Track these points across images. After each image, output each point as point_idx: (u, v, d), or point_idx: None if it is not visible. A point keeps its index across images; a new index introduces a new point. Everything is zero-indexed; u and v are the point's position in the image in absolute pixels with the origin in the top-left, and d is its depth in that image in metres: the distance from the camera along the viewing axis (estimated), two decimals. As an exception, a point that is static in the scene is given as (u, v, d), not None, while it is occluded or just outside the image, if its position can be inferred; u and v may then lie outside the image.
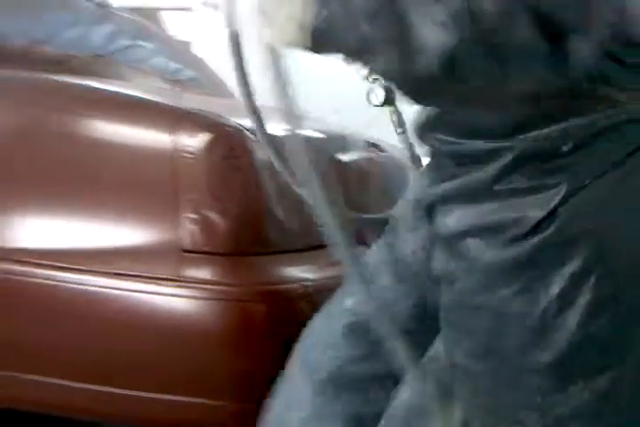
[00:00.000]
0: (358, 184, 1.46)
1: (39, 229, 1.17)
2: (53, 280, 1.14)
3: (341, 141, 1.57)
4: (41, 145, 1.21)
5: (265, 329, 1.11)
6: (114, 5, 2.06)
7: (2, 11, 1.59)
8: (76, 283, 1.13)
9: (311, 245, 1.23)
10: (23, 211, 1.19)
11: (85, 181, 1.18)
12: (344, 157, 1.46)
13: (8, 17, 1.58)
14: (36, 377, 1.16)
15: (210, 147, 1.12)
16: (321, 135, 1.55)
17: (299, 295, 1.12)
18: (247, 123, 1.22)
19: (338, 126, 1.74)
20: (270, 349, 1.10)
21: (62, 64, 1.59)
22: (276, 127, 1.41)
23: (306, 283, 1.14)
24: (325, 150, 1.45)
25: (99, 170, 1.18)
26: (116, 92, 1.34)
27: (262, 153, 1.19)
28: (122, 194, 1.15)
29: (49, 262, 1.14)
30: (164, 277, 1.10)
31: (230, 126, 1.16)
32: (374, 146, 1.67)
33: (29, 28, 1.60)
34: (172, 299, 1.10)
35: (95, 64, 1.69)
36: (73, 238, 1.15)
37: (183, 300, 1.10)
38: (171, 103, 1.28)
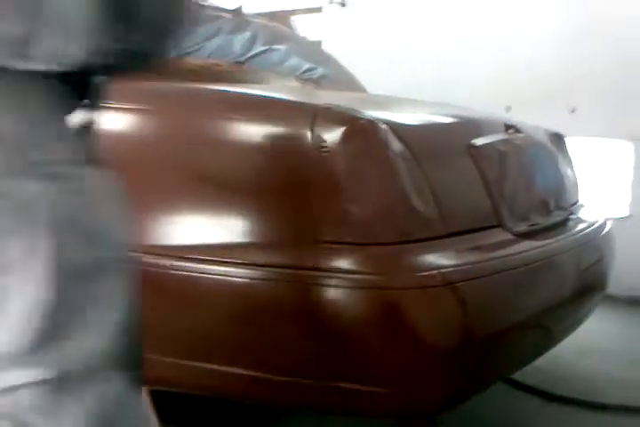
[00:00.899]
0: (497, 168, 1.42)
1: (187, 226, 1.24)
2: (199, 272, 1.20)
3: (477, 125, 1.54)
4: (188, 148, 1.29)
5: (406, 316, 1.12)
6: (248, 13, 2.17)
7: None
8: (220, 274, 1.19)
9: (449, 232, 1.23)
10: (171, 209, 1.27)
11: (228, 180, 1.24)
12: (480, 141, 1.42)
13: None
14: (178, 360, 1.25)
15: (345, 140, 1.14)
16: (456, 120, 1.53)
17: (438, 282, 1.11)
18: (380, 115, 1.24)
19: (473, 110, 1.70)
20: (411, 335, 1.11)
21: (206, 72, 1.70)
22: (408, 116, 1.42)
23: (445, 270, 1.13)
24: (461, 135, 1.43)
25: (241, 169, 1.23)
26: (255, 95, 1.41)
27: (397, 144, 1.20)
28: (263, 190, 1.20)
29: (195, 256, 1.20)
30: (305, 267, 1.13)
31: (364, 119, 1.18)
32: (512, 127, 1.61)
33: (179, 42, 1.73)
34: (313, 288, 1.12)
35: (235, 70, 1.79)
36: (216, 233, 1.21)
37: (324, 289, 1.12)
38: (306, 101, 1.32)
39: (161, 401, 1.46)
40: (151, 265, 1.24)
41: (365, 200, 1.14)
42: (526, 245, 1.39)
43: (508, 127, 1.59)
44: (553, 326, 1.48)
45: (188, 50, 1.75)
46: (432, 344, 1.12)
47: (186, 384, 1.32)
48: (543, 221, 1.55)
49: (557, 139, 1.95)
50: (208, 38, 1.84)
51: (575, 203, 1.87)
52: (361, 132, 1.16)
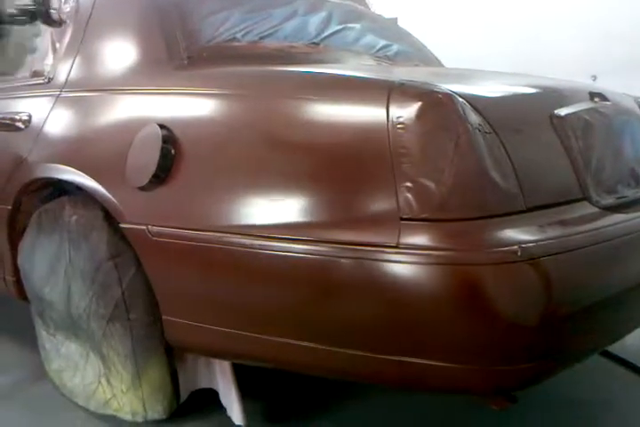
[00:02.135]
0: (582, 138, 1.37)
1: (268, 208, 1.27)
2: (281, 251, 1.23)
3: (560, 95, 1.48)
4: (267, 130, 1.32)
5: (487, 292, 1.11)
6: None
7: (236, 11, 1.76)
8: (303, 253, 1.21)
9: (531, 206, 1.20)
10: (254, 190, 1.30)
11: (307, 160, 1.26)
12: (563, 111, 1.37)
13: (239, 17, 1.75)
14: (262, 336, 1.30)
15: (422, 115, 1.14)
16: (537, 90, 1.48)
17: (519, 258, 1.09)
18: (457, 88, 1.22)
19: (555, 80, 1.64)
20: (493, 311, 1.10)
21: (282, 55, 1.73)
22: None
23: (526, 245, 1.11)
24: (543, 106, 1.39)
25: (319, 149, 1.25)
26: (330, 75, 1.42)
27: (474, 117, 1.18)
28: (342, 169, 1.21)
29: (278, 235, 1.23)
30: (385, 244, 1.13)
31: (441, 93, 1.16)
32: (598, 95, 1.54)
33: (256, 26, 1.76)
34: (394, 266, 1.13)
35: (311, 51, 1.81)
36: (297, 213, 1.23)
37: (405, 266, 1.12)
38: (380, 77, 1.32)
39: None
40: (234, 244, 1.30)
41: (444, 176, 1.13)
42: (614, 218, 1.34)
43: (593, 95, 1.53)
44: (644, 302, 1.42)
45: (264, 34, 1.78)
46: (513, 320, 1.11)
47: (264, 358, 1.38)
48: (632, 194, 1.48)
49: (648, 107, 1.85)
50: (283, 21, 1.86)
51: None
52: (437, 106, 1.15)
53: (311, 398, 1.79)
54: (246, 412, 1.52)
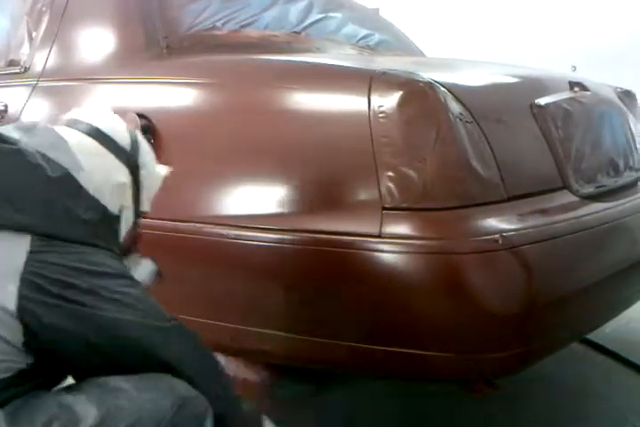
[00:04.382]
0: (562, 128, 1.38)
1: (248, 197, 1.26)
2: (266, 241, 1.22)
3: (540, 84, 1.49)
4: (248, 119, 1.31)
5: (469, 280, 1.11)
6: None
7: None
8: (285, 243, 1.21)
9: (512, 196, 1.20)
10: (234, 180, 1.29)
11: (287, 149, 1.25)
12: (544, 100, 1.38)
13: (219, 5, 1.73)
14: (244, 327, 1.30)
15: (403, 104, 1.13)
16: (517, 79, 1.49)
17: (500, 246, 1.10)
18: (438, 77, 1.22)
19: (536, 69, 1.64)
20: (475, 299, 1.11)
21: (263, 44, 1.71)
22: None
23: (507, 234, 1.11)
24: (523, 95, 1.39)
25: (300, 138, 1.24)
26: (311, 63, 1.41)
27: (456, 106, 1.18)
28: (324, 158, 1.21)
29: (260, 225, 1.23)
30: (368, 234, 1.13)
31: (422, 82, 1.16)
32: (578, 85, 1.55)
33: (236, 15, 1.74)
34: (375, 254, 1.13)
35: (292, 40, 1.79)
36: (278, 203, 1.23)
37: (387, 255, 1.12)
38: (362, 66, 1.31)
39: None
40: (216, 235, 1.29)
41: (425, 165, 1.13)
42: (593, 207, 1.35)
43: (573, 85, 1.53)
44: (622, 290, 1.44)
45: (245, 22, 1.76)
46: (494, 308, 1.12)
47: (244, 349, 1.37)
48: (611, 183, 1.50)
49: (628, 96, 1.86)
50: (264, 9, 1.84)
51: (647, 163, 1.79)
52: (418, 95, 1.15)
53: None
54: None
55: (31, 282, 0.79)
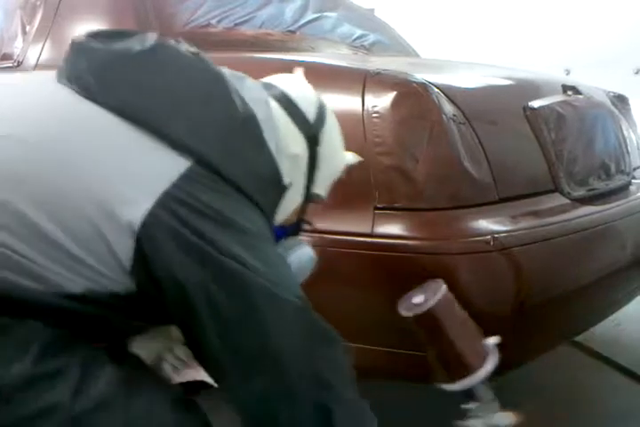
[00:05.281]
0: (555, 131, 1.38)
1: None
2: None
3: (534, 87, 1.49)
4: None
5: (459, 281, 1.11)
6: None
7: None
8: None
9: (504, 197, 1.21)
10: None
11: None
12: (537, 103, 1.38)
13: (214, 3, 1.72)
14: None
15: (397, 104, 1.14)
16: (511, 82, 1.49)
17: (491, 248, 1.10)
18: (432, 78, 1.22)
19: (530, 72, 1.65)
20: (465, 300, 1.11)
21: (258, 42, 1.71)
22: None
23: (499, 235, 1.12)
24: (516, 97, 1.39)
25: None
26: (307, 63, 1.41)
27: (449, 107, 1.18)
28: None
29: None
30: (359, 233, 1.13)
31: (416, 83, 1.16)
32: (571, 88, 1.55)
33: (231, 13, 1.74)
34: (367, 254, 1.13)
35: (287, 39, 1.79)
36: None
37: (378, 255, 1.12)
38: (356, 66, 1.31)
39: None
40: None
41: (417, 165, 1.13)
42: (584, 210, 1.36)
43: (566, 88, 1.54)
44: (612, 292, 1.45)
45: (240, 20, 1.76)
46: (484, 309, 1.12)
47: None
48: (603, 186, 1.51)
49: (621, 101, 1.87)
50: (260, 8, 1.83)
51: (638, 167, 1.80)
52: (412, 95, 1.15)
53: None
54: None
55: (168, 205, 0.70)
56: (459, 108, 1.19)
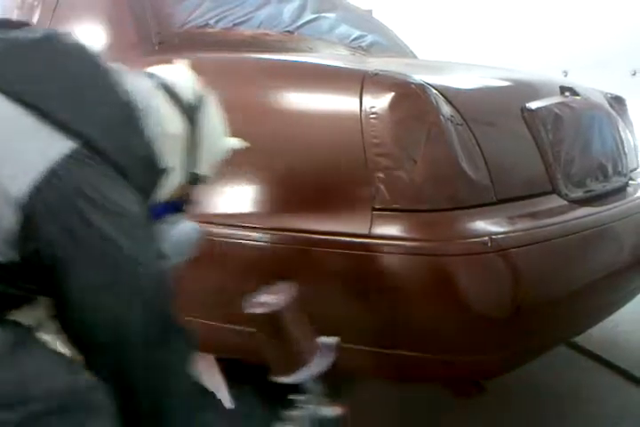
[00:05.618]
0: (552, 132, 1.38)
1: (238, 196, 1.26)
2: (256, 240, 1.22)
3: (531, 88, 1.49)
4: (241, 118, 1.26)
5: (457, 282, 1.11)
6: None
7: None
8: (275, 242, 1.21)
9: (502, 199, 1.21)
10: (224, 180, 1.26)
11: (278, 148, 1.25)
12: (534, 105, 1.38)
13: (212, 3, 1.72)
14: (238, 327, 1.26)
15: (395, 105, 1.13)
16: (509, 83, 1.49)
17: (489, 249, 1.10)
18: (430, 79, 1.22)
19: (527, 73, 1.65)
20: (463, 301, 1.11)
21: (256, 42, 1.71)
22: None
23: (496, 236, 1.12)
24: (514, 99, 1.40)
25: (292, 138, 1.24)
26: (305, 63, 1.41)
27: (447, 108, 1.18)
28: (314, 158, 1.21)
29: (251, 225, 1.22)
30: (357, 234, 1.13)
31: (413, 84, 1.16)
32: (568, 90, 1.56)
33: (230, 13, 1.74)
34: (365, 255, 1.13)
35: (285, 39, 1.79)
36: (269, 202, 1.23)
37: (376, 256, 1.12)
38: (354, 67, 1.31)
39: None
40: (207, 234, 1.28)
41: (416, 166, 1.13)
42: (581, 211, 1.36)
43: (564, 90, 1.54)
44: (610, 294, 1.45)
45: (238, 20, 1.75)
46: (481, 310, 1.12)
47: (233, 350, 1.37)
48: (600, 188, 1.51)
49: (618, 102, 1.88)
50: (258, 8, 1.83)
51: (635, 168, 1.81)
52: (410, 96, 1.15)
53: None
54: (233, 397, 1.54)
55: (51, 182, 0.76)
56: (456, 109, 1.19)
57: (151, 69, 1.05)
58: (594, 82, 1.88)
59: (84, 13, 1.71)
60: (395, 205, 1.12)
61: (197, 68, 1.45)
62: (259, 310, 1.04)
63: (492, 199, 1.19)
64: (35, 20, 1.77)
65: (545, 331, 1.24)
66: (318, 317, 1.19)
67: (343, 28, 2.02)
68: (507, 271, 1.13)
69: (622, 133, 1.74)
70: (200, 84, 1.05)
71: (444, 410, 1.63)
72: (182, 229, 1.04)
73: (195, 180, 1.04)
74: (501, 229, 1.15)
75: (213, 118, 1.06)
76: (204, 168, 1.05)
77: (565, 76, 2.80)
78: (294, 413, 1.06)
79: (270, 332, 1.06)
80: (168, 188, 0.98)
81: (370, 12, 3.32)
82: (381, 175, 1.13)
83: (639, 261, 1.50)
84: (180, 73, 1.06)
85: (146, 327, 0.81)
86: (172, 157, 0.96)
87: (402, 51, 2.27)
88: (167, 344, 0.84)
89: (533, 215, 1.25)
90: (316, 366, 1.04)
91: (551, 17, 3.08)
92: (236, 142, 1.10)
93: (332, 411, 1.06)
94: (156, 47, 1.55)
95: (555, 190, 1.36)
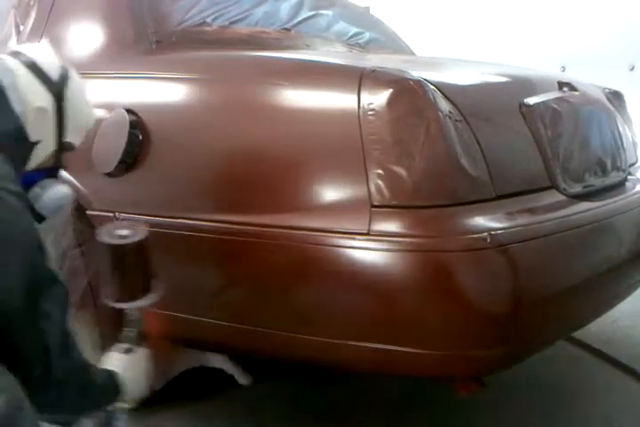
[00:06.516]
0: (551, 127, 1.38)
1: (237, 193, 1.26)
2: (257, 237, 1.22)
3: (529, 84, 1.49)
4: (237, 116, 1.31)
5: (456, 278, 1.11)
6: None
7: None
8: (274, 239, 1.21)
9: (500, 194, 1.21)
10: (224, 177, 1.29)
11: (276, 145, 1.25)
12: (532, 100, 1.38)
13: (209, 1, 1.72)
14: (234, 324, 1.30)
15: (393, 102, 1.13)
16: (506, 79, 1.49)
17: (488, 245, 1.10)
18: (428, 75, 1.22)
19: (525, 69, 1.65)
20: (462, 297, 1.11)
21: (254, 40, 1.71)
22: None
23: (495, 232, 1.11)
24: (512, 94, 1.39)
25: (290, 135, 1.24)
26: (303, 61, 1.41)
27: (445, 104, 1.18)
28: (313, 155, 1.21)
29: (251, 222, 1.22)
30: (356, 231, 1.13)
31: (412, 80, 1.16)
32: (566, 85, 1.55)
33: (227, 11, 1.73)
34: (364, 252, 1.13)
35: (282, 37, 1.79)
36: (269, 200, 1.22)
37: (375, 253, 1.12)
38: (352, 64, 1.31)
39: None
40: (204, 231, 1.28)
41: (414, 163, 1.13)
42: (580, 206, 1.36)
43: (562, 85, 1.54)
44: (609, 289, 1.45)
45: (235, 18, 1.75)
46: (481, 306, 1.12)
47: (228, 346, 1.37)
48: (599, 183, 1.51)
49: (616, 97, 1.88)
50: (255, 6, 1.83)
51: (634, 163, 1.81)
52: (408, 93, 1.15)
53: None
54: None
55: None
56: (455, 105, 1.19)
57: (17, 48, 1.10)
58: (592, 77, 1.88)
59: (81, 12, 1.70)
60: (393, 202, 1.12)
61: (195, 65, 1.46)
62: (114, 241, 1.12)
63: (491, 195, 1.20)
64: (31, 19, 1.76)
65: (545, 326, 1.24)
66: (321, 314, 1.20)
67: (340, 26, 2.02)
68: (506, 267, 1.13)
69: (621, 128, 1.74)
70: (62, 61, 1.13)
71: (442, 406, 1.63)
72: (54, 193, 1.11)
73: (64, 148, 1.12)
74: (500, 225, 1.15)
75: (78, 92, 1.13)
76: (72, 137, 1.13)
77: (563, 71, 2.80)
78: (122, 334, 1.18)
79: (118, 261, 1.14)
80: (40, 157, 1.07)
81: (367, 8, 3.32)
82: (380, 172, 1.13)
83: (638, 255, 1.50)
84: (44, 51, 1.12)
85: (24, 278, 0.86)
86: (41, 129, 1.04)
87: (399, 47, 2.26)
88: (42, 293, 0.89)
89: (532, 211, 1.25)
90: (145, 300, 1.16)
91: (549, 12, 3.08)
92: (101, 113, 1.20)
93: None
94: (154, 46, 1.55)
95: (553, 186, 1.36)
